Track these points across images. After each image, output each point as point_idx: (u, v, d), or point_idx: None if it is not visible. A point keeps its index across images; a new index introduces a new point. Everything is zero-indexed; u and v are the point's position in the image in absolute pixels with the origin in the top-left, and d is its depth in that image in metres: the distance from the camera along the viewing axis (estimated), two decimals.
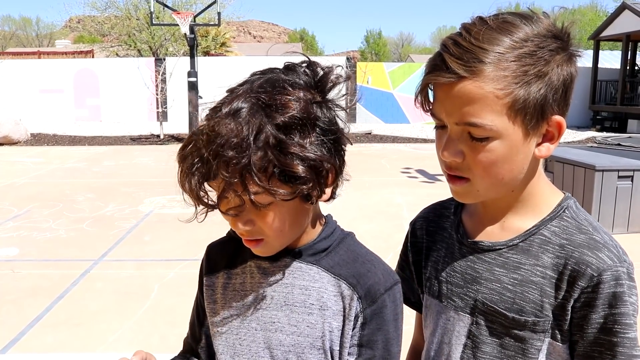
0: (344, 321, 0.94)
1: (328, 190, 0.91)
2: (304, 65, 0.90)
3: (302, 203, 0.89)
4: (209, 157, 0.80)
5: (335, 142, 0.89)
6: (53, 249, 5.36)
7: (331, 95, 0.90)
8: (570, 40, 0.87)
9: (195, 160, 0.82)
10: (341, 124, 0.91)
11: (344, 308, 0.94)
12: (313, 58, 0.92)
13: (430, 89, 0.89)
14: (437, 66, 0.85)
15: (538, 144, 0.88)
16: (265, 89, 0.84)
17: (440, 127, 0.90)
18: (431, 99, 0.90)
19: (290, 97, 0.83)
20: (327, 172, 0.87)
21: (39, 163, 10.95)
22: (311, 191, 0.86)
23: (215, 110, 0.85)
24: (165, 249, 5.35)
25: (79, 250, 5.30)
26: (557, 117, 0.86)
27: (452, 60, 0.83)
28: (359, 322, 0.93)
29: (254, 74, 0.90)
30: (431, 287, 1.05)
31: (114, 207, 7.04)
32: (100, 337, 3.48)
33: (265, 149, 0.80)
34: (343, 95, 0.92)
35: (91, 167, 10.42)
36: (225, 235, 1.07)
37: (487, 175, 0.88)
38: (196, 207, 0.88)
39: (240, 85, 0.89)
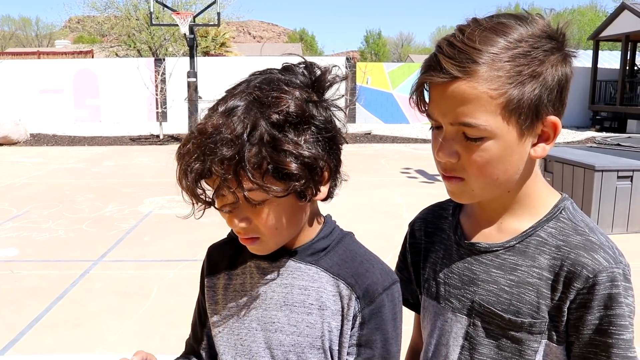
0: (342, 321, 0.94)
1: (324, 189, 0.91)
2: (301, 65, 0.91)
3: (297, 201, 0.90)
4: (205, 154, 0.81)
5: (331, 140, 0.89)
6: (52, 249, 5.36)
7: (329, 95, 0.91)
8: (565, 40, 0.87)
9: (192, 157, 0.83)
10: (339, 124, 0.92)
11: (343, 308, 0.94)
12: (313, 59, 0.93)
13: (426, 90, 0.90)
14: (432, 66, 0.86)
15: (533, 145, 0.88)
16: (261, 88, 0.85)
17: (436, 127, 0.91)
18: (427, 100, 0.91)
19: (285, 96, 0.84)
20: (321, 170, 0.88)
21: (39, 163, 10.94)
22: (305, 189, 0.87)
23: (212, 109, 0.86)
24: (164, 249, 5.35)
25: (79, 251, 5.29)
26: (552, 118, 0.86)
27: (446, 61, 0.83)
28: (357, 322, 0.93)
29: (252, 74, 0.92)
30: (429, 289, 1.05)
31: (114, 208, 7.04)
32: (100, 338, 3.48)
33: (260, 146, 0.81)
34: (341, 96, 0.93)
35: (91, 168, 10.42)
36: (226, 236, 1.08)
37: (482, 175, 0.88)
38: (193, 205, 0.89)
39: (238, 84, 0.90)
